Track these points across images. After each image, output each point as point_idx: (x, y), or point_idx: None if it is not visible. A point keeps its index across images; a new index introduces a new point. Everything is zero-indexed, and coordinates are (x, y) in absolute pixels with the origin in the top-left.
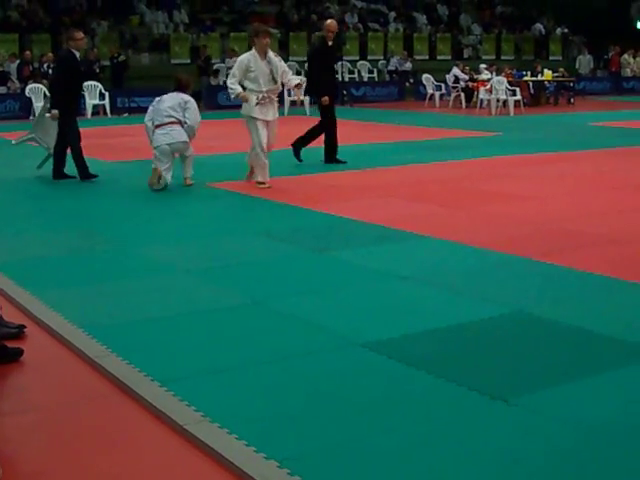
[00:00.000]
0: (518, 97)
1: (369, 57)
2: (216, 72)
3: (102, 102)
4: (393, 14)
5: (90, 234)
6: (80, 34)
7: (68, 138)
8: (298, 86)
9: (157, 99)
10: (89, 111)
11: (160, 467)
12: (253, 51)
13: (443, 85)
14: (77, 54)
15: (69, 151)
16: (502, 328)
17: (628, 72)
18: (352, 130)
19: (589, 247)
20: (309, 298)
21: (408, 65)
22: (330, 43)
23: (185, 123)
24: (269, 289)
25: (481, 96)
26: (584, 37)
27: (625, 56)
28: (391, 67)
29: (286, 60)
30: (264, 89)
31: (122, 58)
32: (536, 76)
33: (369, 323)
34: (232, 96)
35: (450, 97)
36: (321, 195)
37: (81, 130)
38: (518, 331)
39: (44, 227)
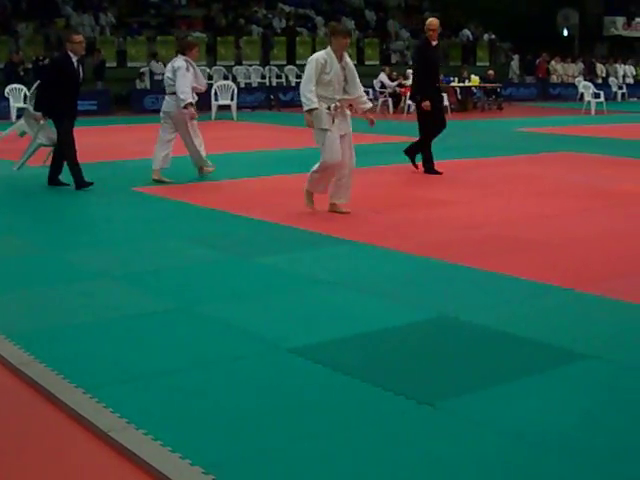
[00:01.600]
0: (445, 103)
1: (297, 62)
2: (142, 75)
3: (27, 105)
4: (321, 19)
5: (14, 239)
6: (79, 37)
7: (61, 145)
8: (370, 111)
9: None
10: (13, 114)
11: (85, 474)
12: (329, 50)
13: (371, 90)
14: (74, 57)
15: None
16: (429, 333)
17: (555, 79)
18: (280, 135)
19: (515, 252)
20: (236, 303)
21: None
22: (434, 43)
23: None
24: (195, 294)
25: (408, 101)
26: (511, 43)
27: (552, 63)
28: None
29: (213, 64)
30: (337, 97)
31: (48, 62)
32: (463, 82)
33: (296, 328)
34: (305, 108)
35: (377, 102)
36: (249, 200)
37: (4, 134)
38: (445, 336)
39: None
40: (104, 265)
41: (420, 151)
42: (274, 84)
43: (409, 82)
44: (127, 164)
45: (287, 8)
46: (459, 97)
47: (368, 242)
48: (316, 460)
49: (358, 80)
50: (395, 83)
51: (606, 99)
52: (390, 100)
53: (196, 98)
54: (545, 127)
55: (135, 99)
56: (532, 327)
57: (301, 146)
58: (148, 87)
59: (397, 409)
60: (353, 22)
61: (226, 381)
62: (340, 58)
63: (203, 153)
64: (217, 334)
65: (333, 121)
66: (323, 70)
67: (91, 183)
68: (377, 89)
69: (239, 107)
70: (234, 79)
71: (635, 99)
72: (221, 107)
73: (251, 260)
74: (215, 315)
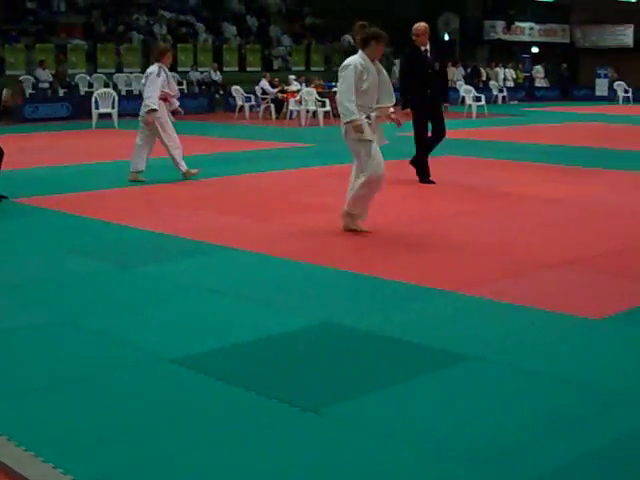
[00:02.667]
0: (328, 108)
1: (179, 68)
2: (20, 83)
3: None
4: (202, 25)
5: None
6: None
7: None
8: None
9: None
10: None
11: None
12: (362, 54)
13: (253, 96)
14: None
15: None
16: (312, 339)
17: None
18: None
19: (397, 255)
20: (117, 315)
21: (218, 76)
22: (423, 48)
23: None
24: (76, 306)
25: (291, 107)
26: (393, 48)
27: None
28: (200, 78)
29: (93, 72)
30: (374, 105)
31: None
32: None
33: (178, 338)
34: (345, 120)
35: (260, 109)
36: (130, 209)
37: None
38: (328, 342)
39: None
40: None
41: (419, 162)
42: None
43: (291, 88)
44: (7, 175)
45: (168, 14)
46: None
47: (250, 249)
48: (201, 471)
49: (391, 87)
50: (277, 89)
51: (487, 102)
52: (272, 106)
53: (177, 103)
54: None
55: (14, 108)
56: (415, 330)
57: (184, 154)
58: (27, 96)
59: (281, 417)
60: (234, 28)
61: (107, 394)
62: (373, 64)
63: (178, 158)
64: (98, 346)
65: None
66: (361, 77)
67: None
68: (259, 95)
69: (120, 115)
70: (115, 87)
71: (515, 102)
72: (102, 115)
73: (132, 270)
74: (96, 327)
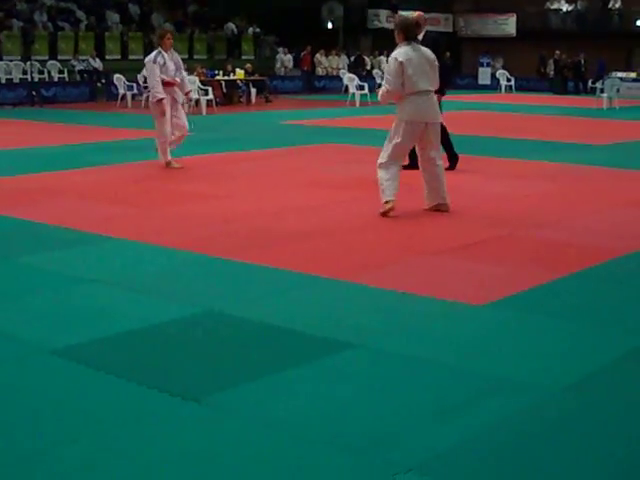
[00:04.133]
0: (210, 96)
1: (59, 57)
2: None
3: None
4: (83, 13)
5: None
6: None
7: None
8: None
9: None
10: None
11: None
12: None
13: (135, 85)
14: None
15: None
16: (194, 328)
17: (320, 71)
18: (42, 132)
19: (280, 243)
20: None
21: (99, 65)
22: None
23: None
24: None
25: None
26: (276, 37)
27: (317, 55)
28: (82, 67)
29: None
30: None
31: None
32: (228, 75)
33: (58, 329)
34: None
35: (142, 97)
36: (10, 198)
37: None
38: (209, 330)
39: None
40: None
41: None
42: (36, 80)
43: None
44: None
45: (49, 1)
46: (224, 91)
47: (134, 239)
48: (81, 464)
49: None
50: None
51: (370, 91)
52: None
53: (187, 88)
54: (311, 119)
55: None
56: (297, 318)
57: (65, 143)
58: None
59: (162, 407)
60: (117, 16)
61: None
62: None
63: (163, 147)
64: None
65: None
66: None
67: None
68: (141, 84)
69: (0, 104)
70: None
71: None
72: None
73: (11, 260)
74: None
